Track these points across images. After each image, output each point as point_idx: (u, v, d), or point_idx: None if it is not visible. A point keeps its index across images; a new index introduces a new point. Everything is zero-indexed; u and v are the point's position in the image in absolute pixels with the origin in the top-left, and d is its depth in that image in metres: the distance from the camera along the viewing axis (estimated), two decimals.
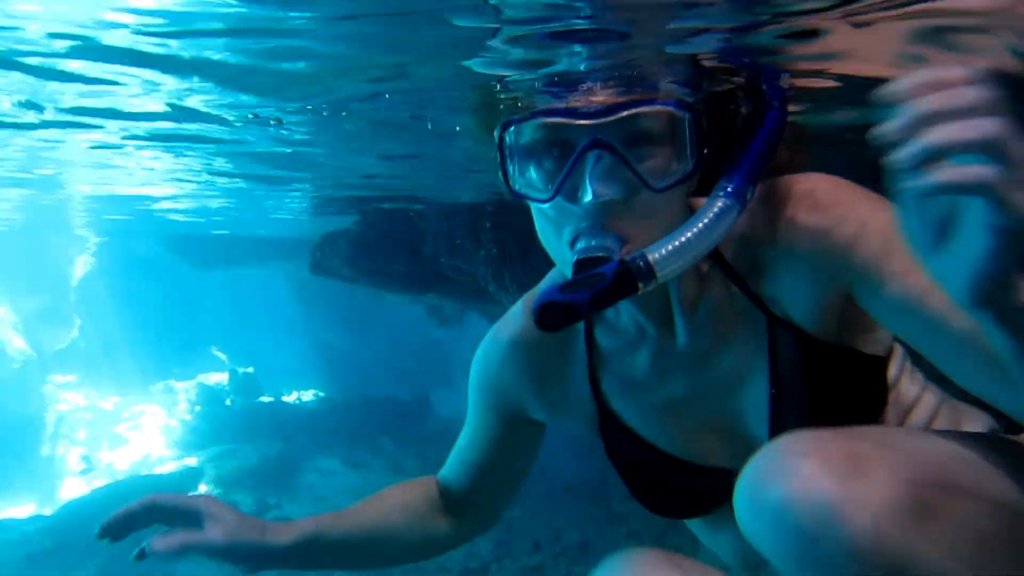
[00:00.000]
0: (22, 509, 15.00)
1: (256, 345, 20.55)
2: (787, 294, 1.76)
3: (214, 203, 12.99)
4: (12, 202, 16.24)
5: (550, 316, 1.55)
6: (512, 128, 1.73)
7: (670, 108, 1.63)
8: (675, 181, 1.63)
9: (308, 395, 19.97)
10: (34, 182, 12.40)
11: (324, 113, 3.75)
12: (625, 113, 1.60)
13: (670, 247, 1.55)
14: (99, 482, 15.59)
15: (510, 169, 1.76)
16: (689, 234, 1.56)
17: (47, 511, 14.32)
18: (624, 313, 1.94)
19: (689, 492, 2.03)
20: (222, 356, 20.60)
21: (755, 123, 1.78)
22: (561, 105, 1.78)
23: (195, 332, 20.11)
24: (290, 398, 19.62)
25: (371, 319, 20.33)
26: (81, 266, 19.26)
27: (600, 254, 1.58)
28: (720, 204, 1.60)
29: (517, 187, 1.75)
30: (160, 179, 11.22)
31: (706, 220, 1.58)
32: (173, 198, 11.33)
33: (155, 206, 13.30)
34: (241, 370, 20.00)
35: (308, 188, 9.97)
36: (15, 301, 18.19)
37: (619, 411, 2.04)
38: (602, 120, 1.60)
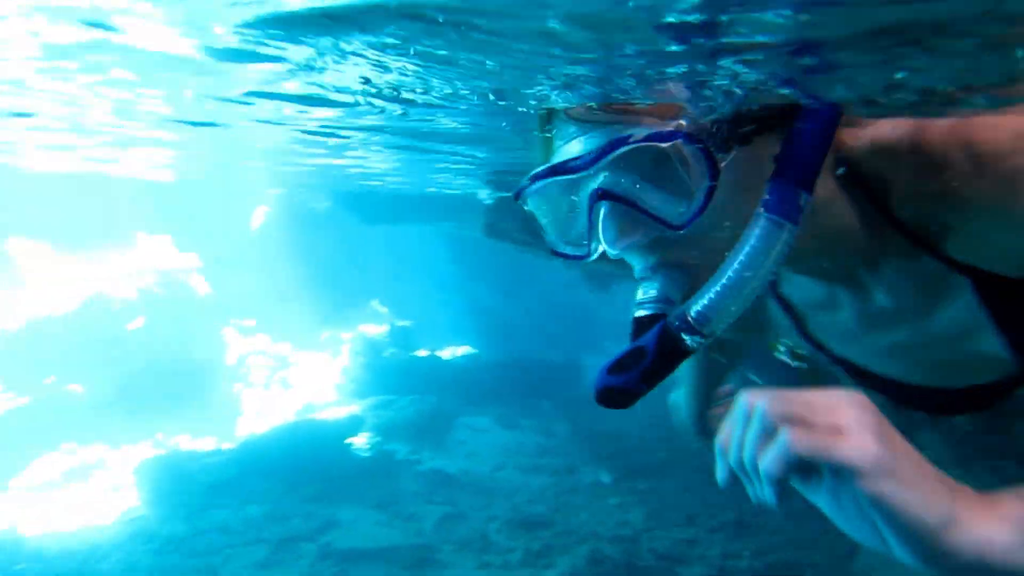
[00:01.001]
0: (205, 442, 16.31)
1: (414, 300, 21.23)
2: (989, 247, 1.59)
3: (390, 166, 13.42)
4: (200, 153, 17.46)
5: (612, 401, 1.50)
6: (523, 198, 1.65)
7: (665, 144, 1.45)
8: (696, 211, 1.46)
9: (461, 352, 20.46)
10: (220, 136, 13.19)
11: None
12: (618, 153, 1.46)
13: (711, 297, 1.43)
14: (272, 422, 16.74)
15: (547, 232, 1.67)
16: (731, 274, 1.42)
17: (227, 446, 15.54)
18: (800, 286, 1.85)
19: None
20: (382, 309, 21.46)
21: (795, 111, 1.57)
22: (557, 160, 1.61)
23: (359, 285, 21.04)
24: (444, 354, 20.16)
25: (524, 280, 20.51)
26: (260, 216, 20.55)
27: (653, 311, 1.50)
28: (759, 230, 1.43)
29: (561, 250, 1.67)
30: (340, 141, 11.64)
31: (749, 253, 1.43)
32: (354, 157, 11.73)
33: (333, 161, 13.85)
34: (399, 324, 20.75)
35: (485, 158, 10.07)
36: (202, 247, 19.67)
37: (845, 355, 1.98)
38: (597, 167, 1.49)
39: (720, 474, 1.39)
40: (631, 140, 1.46)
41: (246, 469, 14.08)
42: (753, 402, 1.35)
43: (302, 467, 14.05)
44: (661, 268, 1.52)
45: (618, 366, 1.48)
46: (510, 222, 10.56)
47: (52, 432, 16.19)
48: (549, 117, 1.76)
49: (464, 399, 17.44)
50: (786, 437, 1.26)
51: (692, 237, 1.49)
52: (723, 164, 1.45)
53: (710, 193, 1.46)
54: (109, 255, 19.91)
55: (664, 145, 1.45)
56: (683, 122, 1.49)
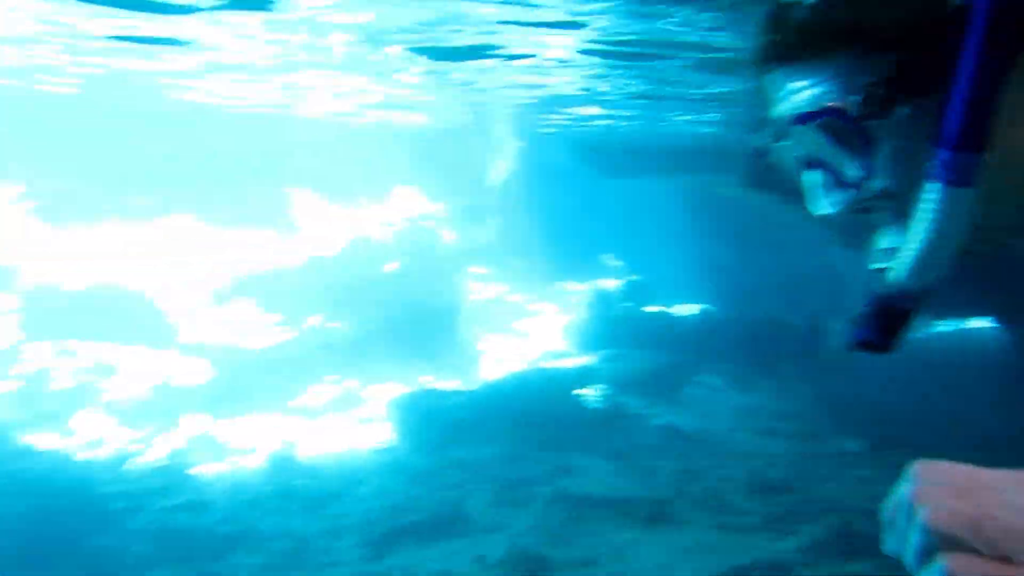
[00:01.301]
0: (448, 383, 17.36)
1: (647, 256, 21.04)
2: None
3: (630, 113, 13.27)
4: (448, 108, 18.25)
5: (869, 348, 1.55)
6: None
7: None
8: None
9: (694, 309, 20.03)
10: (468, 90, 13.64)
11: None
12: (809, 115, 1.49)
13: (908, 267, 1.44)
14: (508, 368, 17.47)
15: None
16: (922, 243, 1.40)
17: (467, 387, 16.45)
18: None
19: None
20: (616, 263, 21.50)
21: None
22: None
23: (593, 238, 21.21)
24: (676, 311, 19.84)
25: (763, 237, 19.58)
26: (501, 169, 21.28)
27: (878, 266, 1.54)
28: (934, 202, 1.35)
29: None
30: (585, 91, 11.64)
31: (932, 222, 1.38)
32: (599, 105, 11.76)
33: (578, 111, 13.91)
34: (632, 278, 20.67)
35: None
36: (448, 198, 20.75)
37: None
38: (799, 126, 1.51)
39: (885, 547, 1.25)
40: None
41: (484, 411, 14.81)
42: (916, 499, 1.13)
43: (535, 413, 14.53)
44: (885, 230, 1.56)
45: (861, 319, 1.57)
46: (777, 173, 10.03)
47: (318, 364, 17.93)
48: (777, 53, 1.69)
49: (697, 357, 17.12)
50: (942, 570, 1.07)
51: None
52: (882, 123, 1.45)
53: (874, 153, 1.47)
54: (368, 203, 21.59)
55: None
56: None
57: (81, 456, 12.49)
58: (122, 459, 12.95)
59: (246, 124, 21.69)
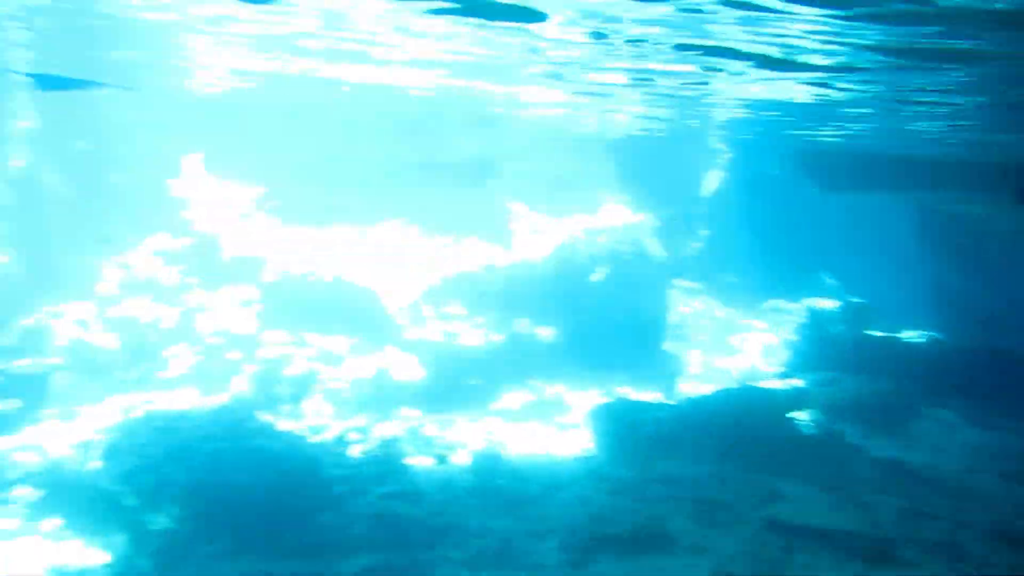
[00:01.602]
0: (649, 395, 17.13)
1: (869, 276, 19.66)
2: None
3: (854, 118, 12.41)
4: (659, 119, 18.00)
5: None
6: None
7: None
8: None
9: (920, 335, 18.48)
10: (680, 98, 13.34)
11: None
12: None
13: None
14: (713, 385, 16.94)
15: None
16: None
17: (670, 402, 16.14)
18: None
19: None
20: (833, 282, 20.30)
21: None
22: None
23: (809, 255, 20.13)
24: (901, 336, 18.39)
25: (1007, 261, 17.72)
26: (712, 180, 20.73)
27: None
28: None
29: None
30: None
31: None
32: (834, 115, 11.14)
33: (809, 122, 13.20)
34: (851, 299, 19.41)
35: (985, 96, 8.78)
36: (656, 208, 20.50)
37: None
38: None
39: None
40: None
41: (687, 427, 14.42)
42: None
43: (742, 434, 13.95)
44: None
45: None
46: None
47: (522, 368, 18.30)
48: None
49: (924, 387, 15.74)
50: None
51: None
52: None
53: None
54: (577, 211, 21.75)
55: None
56: None
57: (311, 439, 13.46)
58: (344, 445, 13.85)
59: (461, 131, 22.65)
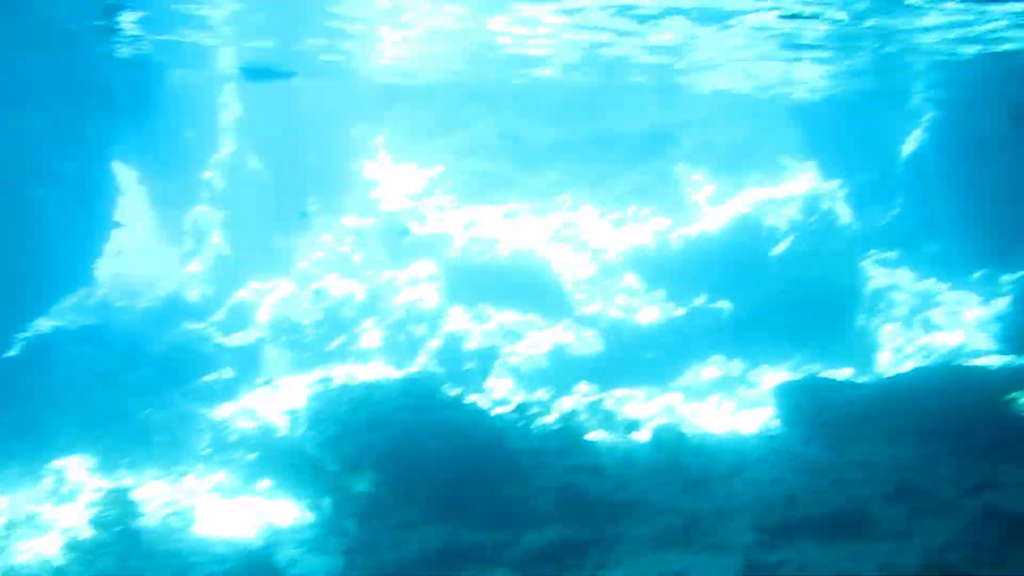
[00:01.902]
0: (841, 372, 16.22)
1: None
2: None
3: None
4: (854, 74, 16.80)
5: None
6: None
7: None
8: None
9: None
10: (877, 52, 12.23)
11: None
12: None
13: None
14: (914, 362, 15.78)
15: None
16: None
17: (865, 379, 15.20)
18: None
19: None
20: None
21: None
22: None
23: None
24: None
25: None
26: (912, 141, 19.08)
27: None
28: None
29: None
30: None
31: None
32: None
33: None
34: None
35: None
36: (847, 174, 19.21)
37: None
38: None
39: None
40: None
41: (888, 406, 13.47)
42: None
43: (951, 415, 12.84)
44: None
45: None
46: None
47: (702, 343, 17.85)
48: None
49: None
50: None
51: None
52: None
53: None
54: (758, 179, 20.85)
55: None
56: None
57: (495, 412, 13.81)
58: (527, 418, 14.10)
59: (639, 101, 22.23)
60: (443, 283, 19.25)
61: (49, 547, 10.50)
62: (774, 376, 17.07)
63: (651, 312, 18.47)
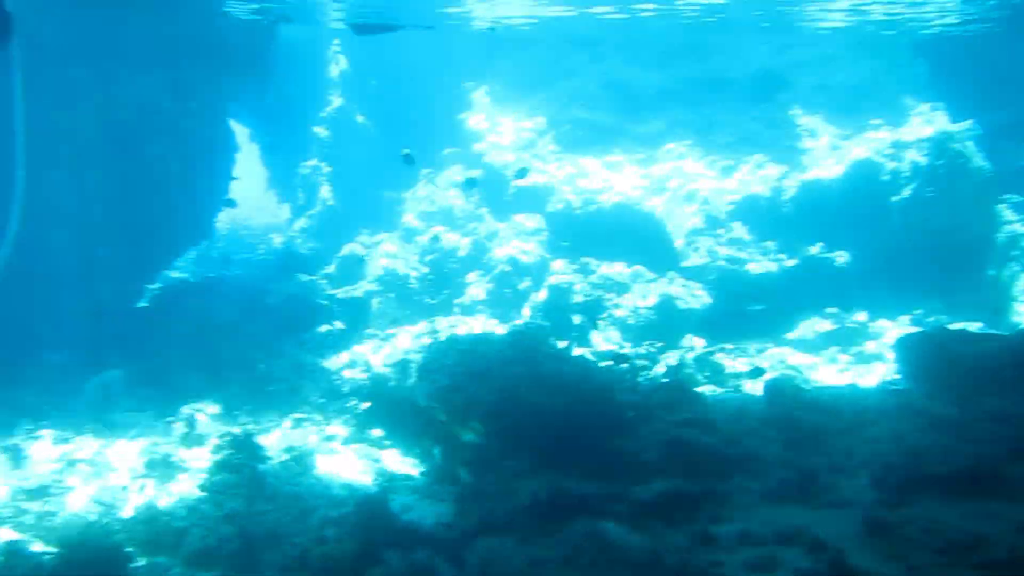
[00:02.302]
0: (971, 324, 15.29)
1: None
2: None
3: None
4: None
5: None
6: None
7: None
8: None
9: None
10: None
11: None
12: None
13: None
14: None
15: None
16: None
17: (999, 331, 14.26)
18: None
19: None
20: None
21: None
22: None
23: None
24: None
25: None
26: None
27: None
28: None
29: None
30: None
31: None
32: None
33: None
34: None
35: None
36: (979, 113, 17.85)
37: None
38: None
39: None
40: None
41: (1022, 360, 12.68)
42: None
43: None
44: None
45: None
46: None
47: (818, 294, 17.17)
48: None
49: None
50: None
51: None
52: None
53: None
54: (880, 122, 19.68)
55: None
56: None
57: (601, 364, 13.70)
58: (634, 371, 13.95)
59: (749, 43, 21.22)
60: (547, 235, 19.14)
61: (183, 488, 11.16)
62: (895, 330, 16.30)
63: (762, 263, 17.86)
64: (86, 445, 12.73)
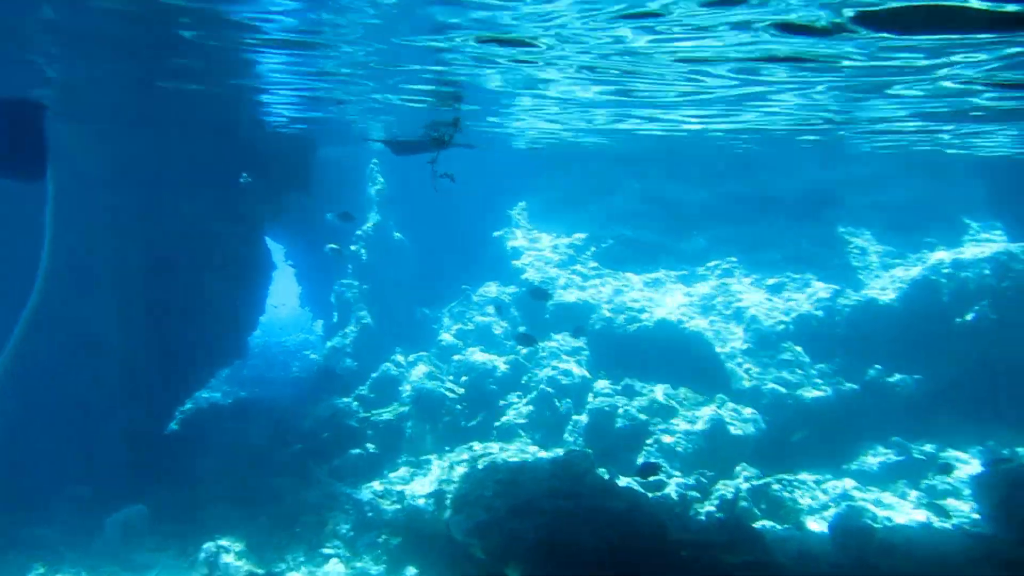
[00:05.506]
0: None
1: None
2: None
3: None
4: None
5: None
6: None
7: None
8: None
9: None
10: None
11: None
12: None
13: None
14: None
15: None
16: None
17: None
18: None
19: None
20: None
21: None
22: None
23: None
24: None
25: None
26: None
27: None
28: None
29: None
30: None
31: None
32: None
33: None
34: None
35: None
36: None
37: None
38: None
39: None
40: None
41: None
42: None
43: None
44: None
45: None
46: None
47: (877, 422, 16.11)
48: None
49: None
50: None
51: None
52: None
53: None
54: (932, 241, 19.04)
55: None
56: None
57: (651, 497, 12.72)
58: (686, 505, 12.93)
59: (798, 161, 20.91)
60: (588, 355, 18.41)
61: None
62: (964, 461, 15.11)
63: (816, 387, 16.89)
64: None
